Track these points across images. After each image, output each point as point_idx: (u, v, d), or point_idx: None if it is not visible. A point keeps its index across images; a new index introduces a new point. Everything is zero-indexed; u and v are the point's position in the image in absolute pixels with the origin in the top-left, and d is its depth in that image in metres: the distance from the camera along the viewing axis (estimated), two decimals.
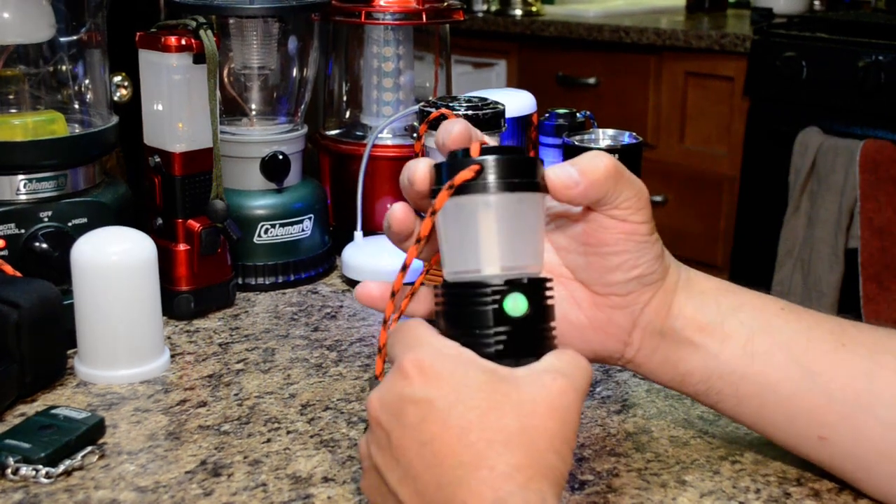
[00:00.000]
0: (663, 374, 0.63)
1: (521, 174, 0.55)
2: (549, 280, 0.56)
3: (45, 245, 0.83)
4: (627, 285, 0.61)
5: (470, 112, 0.85)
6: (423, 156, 0.88)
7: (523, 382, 0.52)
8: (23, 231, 0.83)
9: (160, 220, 0.90)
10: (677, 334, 0.62)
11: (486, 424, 0.50)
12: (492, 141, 0.86)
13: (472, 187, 0.54)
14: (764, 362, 0.61)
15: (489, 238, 0.55)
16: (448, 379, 0.51)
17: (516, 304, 0.54)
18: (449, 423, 0.50)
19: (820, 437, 0.61)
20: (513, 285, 0.54)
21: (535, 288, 0.54)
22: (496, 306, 0.53)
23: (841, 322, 0.62)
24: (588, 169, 0.58)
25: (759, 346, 0.61)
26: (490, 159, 0.54)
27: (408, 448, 0.51)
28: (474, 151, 0.55)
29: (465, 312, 0.54)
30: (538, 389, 0.51)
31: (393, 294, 0.60)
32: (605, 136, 0.93)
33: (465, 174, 0.54)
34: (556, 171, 0.58)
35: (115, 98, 1.00)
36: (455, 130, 0.58)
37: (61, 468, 0.65)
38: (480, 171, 0.54)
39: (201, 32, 0.87)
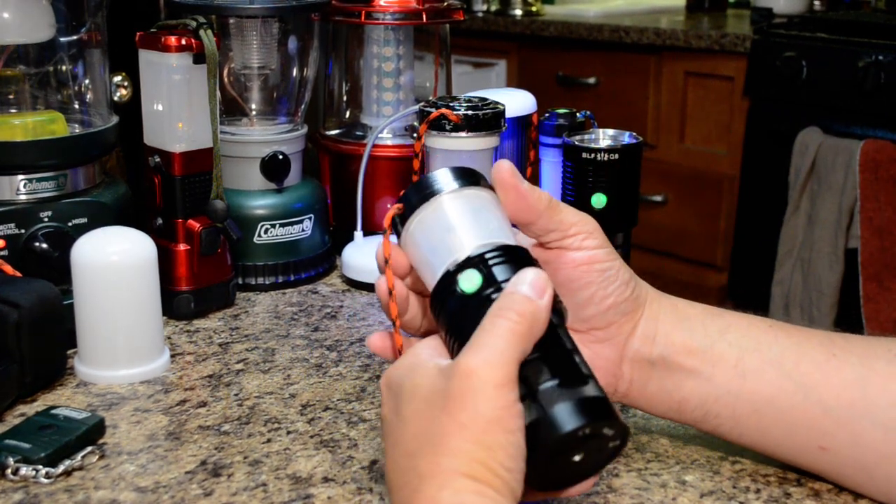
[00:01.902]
0: (660, 405, 0.64)
1: (442, 181, 0.57)
2: (518, 247, 0.56)
3: (45, 245, 0.83)
4: (605, 317, 0.61)
5: (470, 112, 0.85)
6: (422, 156, 0.88)
7: (449, 384, 0.51)
8: (23, 231, 0.83)
9: (160, 220, 0.90)
10: (667, 361, 0.62)
11: (421, 441, 0.51)
12: (488, 142, 0.87)
13: (406, 216, 0.57)
14: (756, 380, 0.61)
15: (442, 236, 0.56)
16: (398, 394, 0.53)
17: (471, 280, 0.54)
18: (398, 440, 0.52)
19: (820, 448, 0.61)
20: (463, 263, 0.54)
21: (498, 252, 0.55)
22: (455, 292, 0.54)
23: (830, 335, 0.63)
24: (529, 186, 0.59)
25: (749, 364, 0.61)
26: (410, 189, 0.57)
27: (387, 457, 0.54)
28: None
29: (443, 311, 0.55)
30: (449, 388, 0.51)
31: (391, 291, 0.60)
32: (605, 136, 0.93)
33: (390, 213, 0.58)
34: (503, 165, 0.59)
35: (115, 98, 1.00)
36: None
37: (61, 468, 0.65)
38: (403, 208, 0.57)
39: (201, 32, 0.87)
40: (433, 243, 0.56)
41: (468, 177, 0.58)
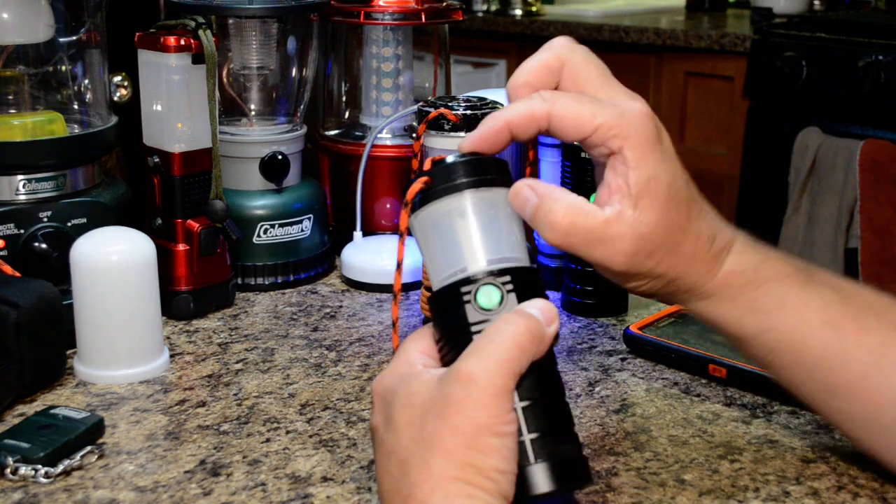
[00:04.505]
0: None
1: (473, 174, 0.55)
2: (533, 270, 0.55)
3: (44, 245, 0.83)
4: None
5: (469, 112, 0.85)
6: (421, 156, 0.89)
7: (447, 388, 0.51)
8: (22, 231, 0.83)
9: (159, 220, 0.90)
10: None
11: (410, 452, 0.51)
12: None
13: (429, 198, 0.55)
14: (775, 363, 0.61)
15: (462, 238, 0.54)
16: (391, 402, 0.53)
17: (489, 297, 0.53)
18: (391, 449, 0.52)
19: (830, 397, 0.60)
20: (482, 278, 0.53)
21: (513, 277, 0.54)
22: (469, 301, 0.53)
23: (887, 341, 0.59)
24: (544, 221, 0.55)
25: (772, 359, 0.60)
26: (439, 168, 0.55)
27: (377, 468, 0.53)
28: (427, 166, 0.56)
29: (446, 315, 0.54)
30: (439, 397, 0.51)
31: (395, 295, 0.60)
32: None
33: (416, 187, 0.55)
34: (518, 188, 0.56)
35: (115, 98, 1.00)
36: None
37: (60, 468, 0.65)
38: (430, 182, 0.55)
39: (200, 33, 0.87)
40: (439, 243, 0.55)
41: (483, 172, 0.56)
